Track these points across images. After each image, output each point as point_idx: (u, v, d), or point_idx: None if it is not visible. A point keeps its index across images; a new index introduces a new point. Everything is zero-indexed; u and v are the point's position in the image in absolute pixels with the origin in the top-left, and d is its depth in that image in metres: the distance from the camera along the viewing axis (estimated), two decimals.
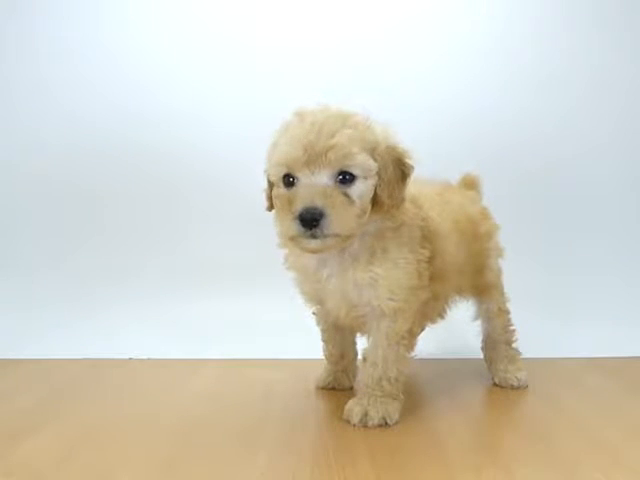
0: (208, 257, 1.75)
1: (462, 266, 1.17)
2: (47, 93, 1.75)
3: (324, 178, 0.93)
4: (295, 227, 0.91)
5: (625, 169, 1.80)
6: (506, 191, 1.67)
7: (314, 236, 0.91)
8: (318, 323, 1.24)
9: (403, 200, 1.00)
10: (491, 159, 1.72)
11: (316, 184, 0.93)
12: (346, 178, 0.94)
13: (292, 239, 0.95)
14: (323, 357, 1.27)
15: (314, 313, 1.22)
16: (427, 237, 1.07)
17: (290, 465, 0.88)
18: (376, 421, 1.02)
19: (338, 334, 1.23)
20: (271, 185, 1.02)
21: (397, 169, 0.98)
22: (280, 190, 0.98)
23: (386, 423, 1.03)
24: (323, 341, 1.25)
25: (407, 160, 1.00)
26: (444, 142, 1.71)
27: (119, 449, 0.95)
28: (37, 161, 1.76)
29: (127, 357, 1.49)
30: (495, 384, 1.29)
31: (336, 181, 0.94)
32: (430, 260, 1.06)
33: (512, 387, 1.27)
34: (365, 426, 1.02)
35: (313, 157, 0.92)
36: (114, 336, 1.58)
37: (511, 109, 1.77)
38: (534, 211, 1.78)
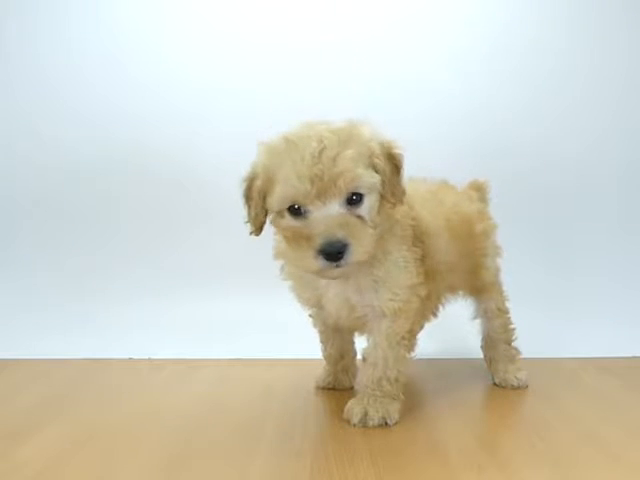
0: (208, 257, 1.75)
1: (454, 265, 1.16)
2: (48, 92, 1.75)
3: (336, 206, 0.92)
4: (320, 262, 0.90)
5: (625, 168, 1.80)
6: (506, 190, 1.67)
7: (339, 266, 0.91)
8: (315, 325, 1.23)
9: (404, 192, 1.00)
10: (491, 158, 1.72)
11: (331, 214, 0.91)
12: (354, 199, 0.93)
13: (316, 273, 0.94)
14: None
15: (310, 316, 1.22)
16: (418, 236, 1.07)
17: (290, 465, 0.88)
18: (376, 421, 1.02)
19: (336, 335, 1.23)
20: (263, 211, 0.99)
21: (391, 164, 0.98)
22: (289, 221, 0.95)
23: (386, 423, 1.03)
24: (321, 342, 1.25)
25: (396, 151, 0.99)
26: (443, 142, 1.71)
27: (119, 449, 0.95)
28: (37, 161, 1.76)
29: (127, 357, 1.49)
30: (495, 384, 1.29)
31: (347, 204, 0.93)
32: (422, 259, 1.07)
33: (512, 387, 1.27)
34: (365, 426, 1.02)
35: (322, 189, 0.90)
36: (114, 336, 1.58)
37: (510, 109, 1.76)
38: (534, 210, 1.78)
